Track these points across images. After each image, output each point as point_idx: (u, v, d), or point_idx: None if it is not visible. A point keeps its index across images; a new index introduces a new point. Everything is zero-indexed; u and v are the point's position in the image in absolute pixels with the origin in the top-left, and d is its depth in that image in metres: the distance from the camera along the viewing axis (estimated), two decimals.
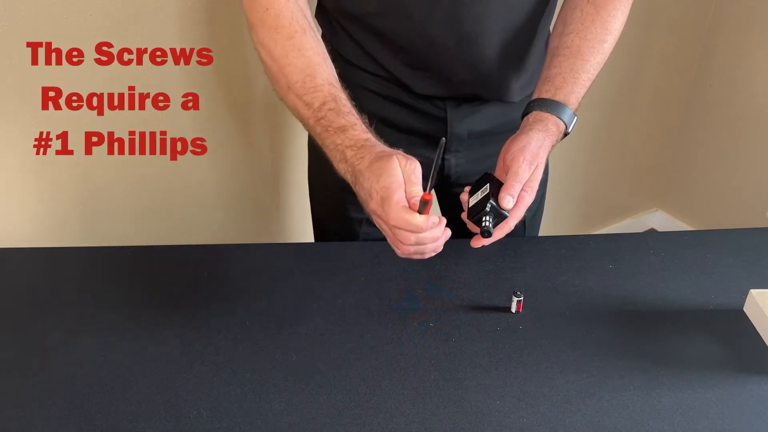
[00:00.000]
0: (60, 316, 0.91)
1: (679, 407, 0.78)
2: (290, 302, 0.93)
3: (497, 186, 0.83)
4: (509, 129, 1.05)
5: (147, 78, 1.16)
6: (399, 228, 0.73)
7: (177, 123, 1.24)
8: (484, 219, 0.81)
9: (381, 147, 0.78)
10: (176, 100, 1.21)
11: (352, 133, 0.78)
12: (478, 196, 0.84)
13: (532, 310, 0.92)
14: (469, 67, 0.95)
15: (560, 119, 0.86)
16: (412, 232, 0.73)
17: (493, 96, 0.99)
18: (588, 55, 0.89)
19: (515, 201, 0.81)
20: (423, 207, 0.72)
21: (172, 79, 1.19)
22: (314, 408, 0.78)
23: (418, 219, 0.72)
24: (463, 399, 0.79)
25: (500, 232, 0.83)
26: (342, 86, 0.84)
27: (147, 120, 1.20)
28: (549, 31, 1.02)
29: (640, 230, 2.40)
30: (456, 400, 0.79)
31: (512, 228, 0.83)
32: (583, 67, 0.88)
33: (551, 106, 0.86)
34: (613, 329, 0.90)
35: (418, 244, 0.74)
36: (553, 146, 0.86)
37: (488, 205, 0.81)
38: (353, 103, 0.83)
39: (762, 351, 0.87)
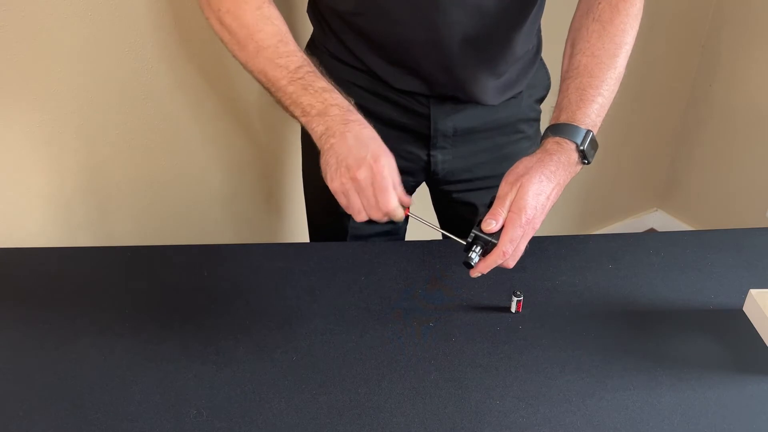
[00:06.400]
0: (60, 316, 0.90)
1: (679, 407, 0.79)
2: (290, 302, 0.93)
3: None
4: (495, 127, 1.06)
5: (149, 78, 1.16)
6: (382, 192, 0.78)
7: (178, 123, 1.24)
8: (471, 249, 0.80)
9: (365, 121, 0.82)
10: (177, 100, 1.22)
11: (336, 95, 0.82)
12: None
13: (532, 310, 0.92)
14: (443, 70, 0.95)
15: (563, 138, 0.84)
16: (384, 191, 0.78)
17: (469, 98, 1.00)
18: (597, 71, 0.87)
19: (498, 224, 0.79)
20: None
21: (174, 80, 1.19)
22: (314, 408, 0.78)
23: (395, 201, 0.79)
24: (463, 399, 0.79)
25: (491, 261, 0.79)
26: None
27: (147, 120, 1.20)
28: (534, 40, 1.03)
29: (640, 230, 2.40)
30: (456, 400, 0.79)
31: (505, 254, 0.79)
32: (590, 83, 0.86)
33: (554, 129, 0.85)
34: (613, 329, 0.90)
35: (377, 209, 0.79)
36: (560, 164, 0.82)
37: (471, 233, 0.79)
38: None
39: (762, 351, 0.87)
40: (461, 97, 1.00)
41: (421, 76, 0.97)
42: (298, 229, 1.55)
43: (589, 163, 0.85)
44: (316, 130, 0.81)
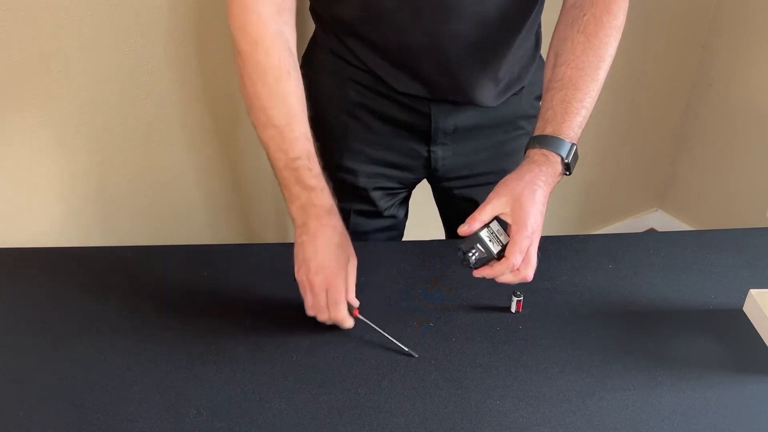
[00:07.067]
0: (60, 316, 0.91)
1: (679, 407, 0.79)
2: (290, 302, 0.93)
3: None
4: (495, 124, 1.07)
5: (149, 78, 1.16)
6: (334, 304, 0.84)
7: (178, 123, 1.24)
8: (466, 254, 0.81)
9: (340, 224, 0.88)
10: (177, 101, 1.22)
11: (321, 196, 0.87)
12: None
13: (532, 310, 0.92)
14: (445, 75, 0.97)
15: (549, 150, 0.85)
16: (336, 304, 0.84)
17: (470, 101, 1.01)
18: (581, 83, 0.88)
19: (471, 227, 0.80)
20: (350, 309, 0.86)
21: (174, 81, 1.19)
22: (314, 408, 0.78)
23: (344, 308, 0.85)
24: (463, 399, 0.79)
25: (498, 269, 0.80)
26: (312, 140, 0.89)
27: (147, 120, 1.20)
28: (533, 41, 1.04)
29: (640, 230, 2.40)
30: (456, 400, 0.79)
31: (514, 265, 0.79)
32: (575, 96, 0.87)
33: (541, 141, 0.87)
34: (613, 329, 0.90)
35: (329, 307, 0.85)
36: (548, 175, 0.84)
37: (459, 247, 0.81)
38: (319, 158, 0.89)
39: (762, 351, 0.87)
40: (461, 101, 1.01)
41: (423, 80, 0.98)
42: None
43: (570, 174, 0.87)
44: (296, 220, 0.87)
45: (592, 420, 0.77)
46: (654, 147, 2.26)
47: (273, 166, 0.89)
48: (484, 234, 0.80)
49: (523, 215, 0.80)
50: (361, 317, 0.87)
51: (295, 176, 0.86)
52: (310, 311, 0.86)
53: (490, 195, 0.83)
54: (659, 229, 2.43)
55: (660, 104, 2.16)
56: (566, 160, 0.85)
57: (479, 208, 0.82)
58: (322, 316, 0.85)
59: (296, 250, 0.87)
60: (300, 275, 0.86)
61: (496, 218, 0.82)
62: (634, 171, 2.28)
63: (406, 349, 0.85)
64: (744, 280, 0.98)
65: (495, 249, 0.80)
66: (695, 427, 0.76)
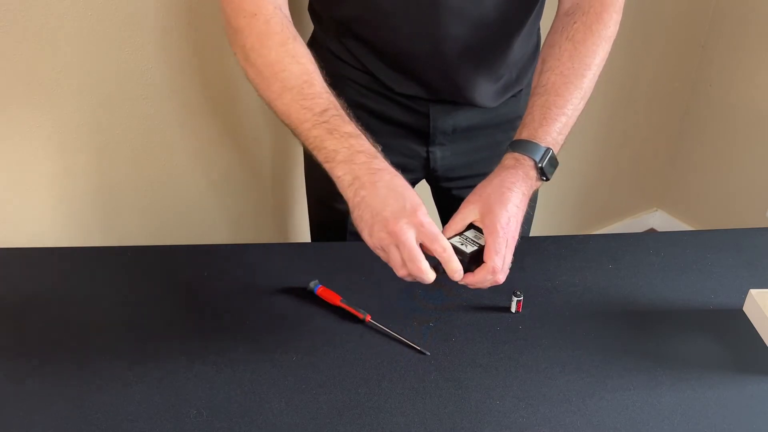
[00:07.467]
0: (60, 315, 0.90)
1: (679, 407, 0.79)
2: (290, 302, 0.93)
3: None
4: (494, 124, 1.08)
5: (148, 78, 1.16)
6: (431, 235, 0.74)
7: (178, 123, 1.24)
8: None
9: (392, 167, 0.78)
10: (177, 100, 1.22)
11: (363, 141, 0.79)
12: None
13: (532, 310, 0.92)
14: (443, 78, 0.97)
15: (522, 154, 0.84)
16: (413, 259, 0.73)
17: (468, 102, 1.01)
18: (563, 90, 0.87)
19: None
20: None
21: (174, 80, 1.19)
22: (314, 408, 0.78)
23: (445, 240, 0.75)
24: (463, 399, 0.79)
25: (480, 276, 0.77)
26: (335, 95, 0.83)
27: (147, 120, 1.20)
28: (533, 42, 1.04)
29: (640, 230, 2.40)
30: (456, 400, 0.79)
31: (495, 270, 0.77)
32: (555, 102, 0.86)
33: (515, 145, 0.86)
34: (613, 329, 0.90)
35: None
36: (519, 178, 0.82)
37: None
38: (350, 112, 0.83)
39: (762, 351, 0.87)
40: (461, 101, 1.01)
41: (421, 81, 0.98)
42: (298, 229, 1.55)
43: (548, 179, 0.85)
44: (343, 179, 0.77)
45: (592, 420, 0.77)
46: (654, 147, 2.26)
47: (299, 132, 0.80)
48: (455, 240, 0.80)
49: (493, 218, 0.78)
50: (372, 322, 0.88)
51: (327, 129, 0.77)
52: (401, 269, 0.76)
53: (461, 205, 0.82)
54: (659, 229, 2.43)
55: (660, 104, 2.16)
56: (540, 165, 0.83)
57: (451, 218, 0.81)
58: (402, 273, 0.76)
59: (359, 213, 0.76)
60: (376, 237, 0.75)
61: (472, 225, 0.81)
62: (634, 171, 2.28)
63: (419, 348, 0.85)
64: (744, 280, 0.98)
65: (469, 250, 0.79)
66: (695, 427, 0.76)
